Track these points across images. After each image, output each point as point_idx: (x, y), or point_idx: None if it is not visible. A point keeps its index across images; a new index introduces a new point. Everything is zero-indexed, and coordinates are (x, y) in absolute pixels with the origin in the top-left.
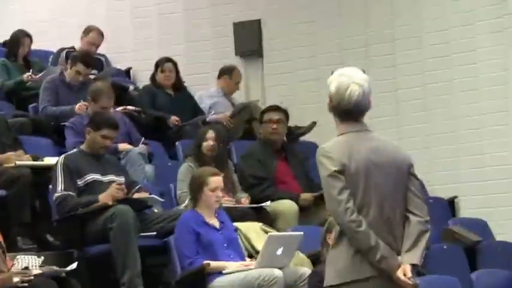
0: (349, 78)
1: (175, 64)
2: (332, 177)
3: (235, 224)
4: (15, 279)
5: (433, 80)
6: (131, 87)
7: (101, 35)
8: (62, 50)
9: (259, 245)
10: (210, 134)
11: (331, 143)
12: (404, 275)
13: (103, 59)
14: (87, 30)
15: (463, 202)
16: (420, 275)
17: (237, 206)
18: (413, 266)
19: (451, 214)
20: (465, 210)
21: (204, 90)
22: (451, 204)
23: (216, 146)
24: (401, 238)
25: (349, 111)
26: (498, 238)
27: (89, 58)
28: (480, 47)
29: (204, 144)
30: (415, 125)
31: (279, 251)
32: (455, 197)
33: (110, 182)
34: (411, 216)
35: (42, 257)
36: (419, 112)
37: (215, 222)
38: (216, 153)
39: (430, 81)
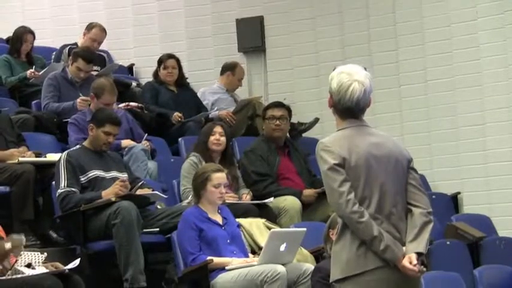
0: (351, 76)
1: (178, 60)
2: (332, 170)
3: (238, 220)
4: (7, 246)
5: (436, 76)
6: (134, 84)
7: (103, 31)
8: (64, 46)
9: (262, 241)
10: (218, 128)
11: (331, 138)
12: (410, 263)
13: (105, 55)
14: (90, 27)
15: (466, 198)
16: (425, 264)
17: (240, 202)
18: (419, 254)
19: (454, 210)
20: (468, 206)
21: (207, 86)
22: (454, 200)
23: (224, 141)
24: (404, 231)
25: (350, 109)
26: (501, 234)
27: (89, 54)
28: (482, 43)
29: (211, 138)
30: (418, 121)
31: (282, 247)
32: (458, 193)
33: (113, 179)
34: (413, 209)
35: (45, 253)
36: (422, 108)
37: (218, 218)
38: (223, 149)
39: (433, 77)
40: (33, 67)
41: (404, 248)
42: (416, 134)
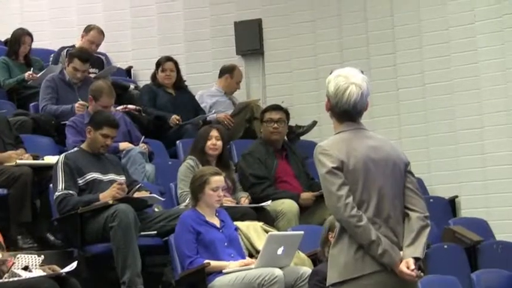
0: (348, 79)
1: (176, 63)
2: (330, 173)
3: (236, 223)
4: None
5: (434, 79)
6: (132, 86)
7: (101, 33)
8: (62, 48)
9: (259, 244)
10: (214, 132)
11: (329, 141)
12: (407, 268)
13: (103, 57)
14: (88, 29)
15: (464, 202)
16: (422, 269)
17: (238, 205)
18: (416, 259)
19: (451, 214)
20: (466, 210)
21: (205, 89)
22: (451, 204)
23: (220, 145)
24: (402, 235)
25: (348, 112)
26: (498, 238)
27: (84, 54)
28: (480, 46)
29: (208, 143)
30: (416, 125)
31: (280, 251)
32: (456, 196)
33: (110, 181)
34: (410, 213)
35: (43, 256)
36: (420, 112)
37: (216, 221)
38: (219, 153)
39: (431, 80)
40: (31, 69)
41: (401, 252)
42: (414, 137)
